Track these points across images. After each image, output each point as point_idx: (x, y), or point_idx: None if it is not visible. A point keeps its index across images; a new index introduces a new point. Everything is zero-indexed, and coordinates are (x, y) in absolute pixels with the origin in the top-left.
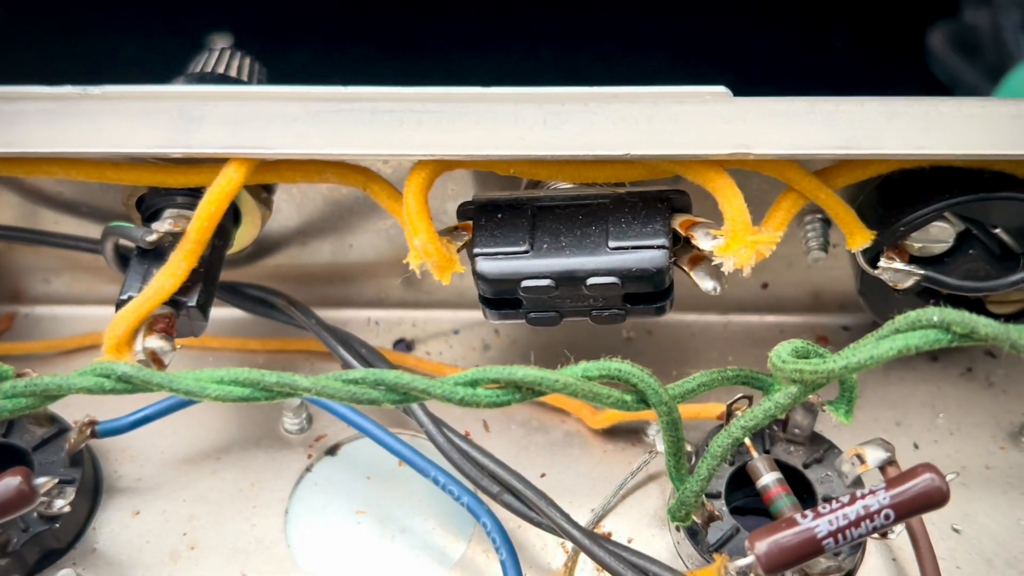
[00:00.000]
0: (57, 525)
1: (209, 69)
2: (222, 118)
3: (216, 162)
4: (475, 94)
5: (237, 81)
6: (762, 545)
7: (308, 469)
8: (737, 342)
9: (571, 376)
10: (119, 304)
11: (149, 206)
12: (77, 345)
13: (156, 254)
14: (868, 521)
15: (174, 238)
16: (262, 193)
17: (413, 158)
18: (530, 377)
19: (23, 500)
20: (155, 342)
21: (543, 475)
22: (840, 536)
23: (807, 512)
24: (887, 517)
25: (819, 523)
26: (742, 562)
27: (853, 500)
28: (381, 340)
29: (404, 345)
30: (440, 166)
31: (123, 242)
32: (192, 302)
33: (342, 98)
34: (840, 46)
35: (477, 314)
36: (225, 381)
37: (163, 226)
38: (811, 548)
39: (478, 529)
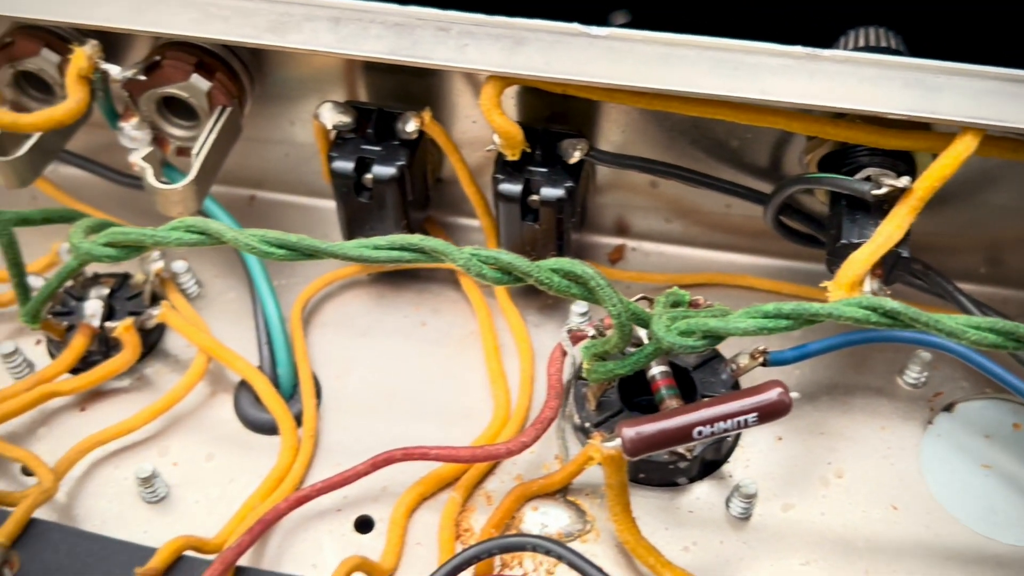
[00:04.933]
0: (729, 439)
1: (872, 43)
2: (959, 90)
3: (919, 127)
4: None
5: (898, 54)
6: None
7: (930, 422)
8: None
9: None
10: (842, 248)
11: (849, 163)
12: (692, 280)
13: (863, 205)
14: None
15: (891, 194)
16: None
17: None
18: None
19: (784, 408)
20: (874, 284)
21: None
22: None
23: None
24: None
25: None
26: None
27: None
28: None
29: None
30: None
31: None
32: (905, 252)
33: None
34: None
35: None
36: (982, 328)
37: (901, 182)
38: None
39: None
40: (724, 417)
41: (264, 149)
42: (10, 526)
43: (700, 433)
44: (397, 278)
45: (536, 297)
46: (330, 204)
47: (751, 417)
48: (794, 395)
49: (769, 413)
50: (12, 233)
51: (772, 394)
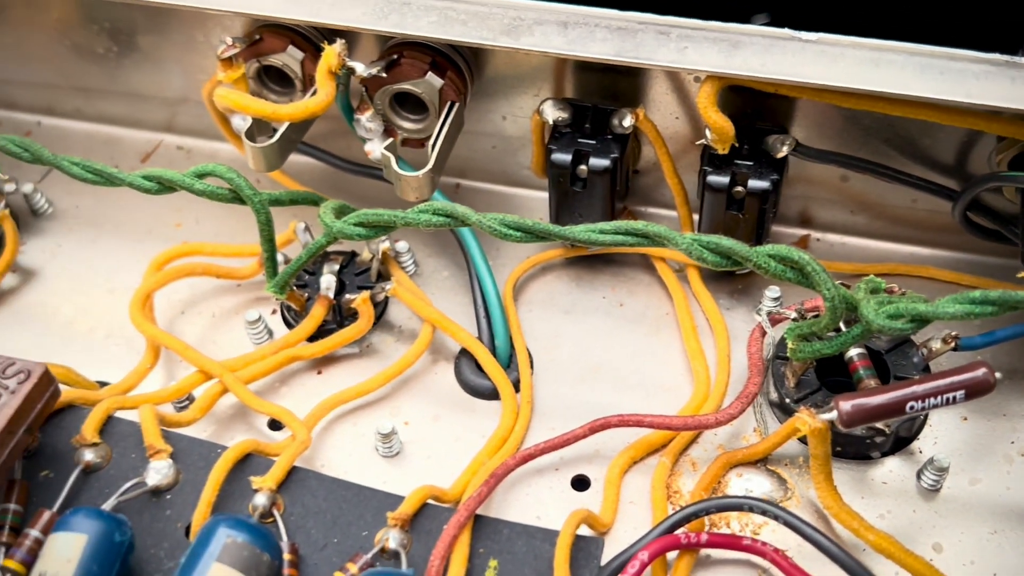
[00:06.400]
0: (921, 417)
1: None
2: None
3: None
4: None
5: None
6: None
7: None
8: None
9: None
10: None
11: None
12: (875, 271)
13: None
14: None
15: None
16: None
17: None
18: None
19: (989, 387)
20: None
21: None
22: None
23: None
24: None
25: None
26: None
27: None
28: None
29: None
30: None
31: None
32: None
33: None
34: None
35: None
36: None
37: None
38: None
39: None
40: (935, 393)
41: (474, 141)
42: (277, 473)
43: (912, 408)
44: (592, 262)
45: (726, 282)
46: (529, 193)
47: (959, 394)
48: (997, 375)
49: (976, 391)
50: (269, 212)
51: (979, 373)
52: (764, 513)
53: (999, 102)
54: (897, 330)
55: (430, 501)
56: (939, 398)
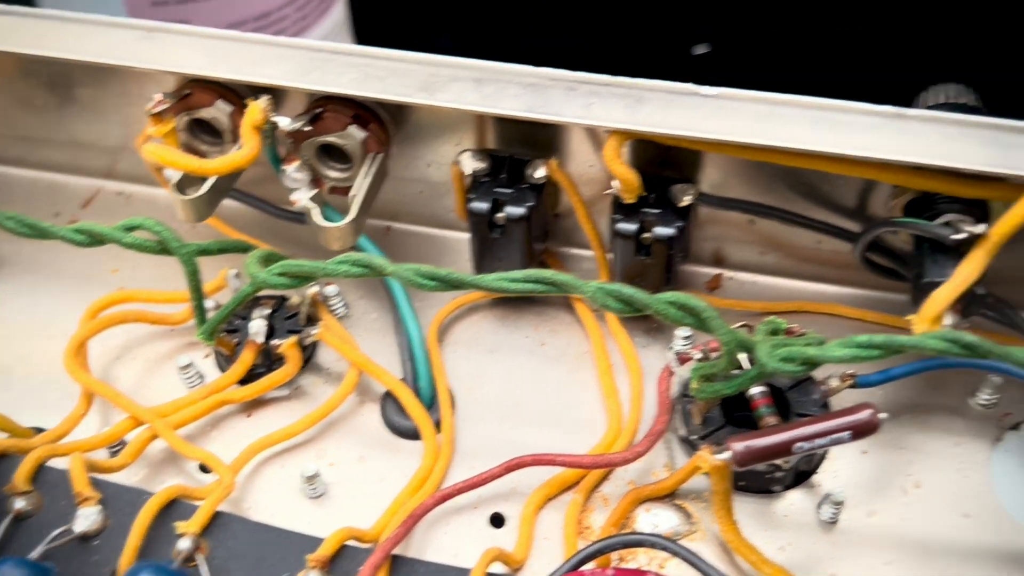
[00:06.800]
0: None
1: (952, 99)
2: None
3: (994, 179)
4: None
5: (975, 109)
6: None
7: (999, 439)
8: None
9: None
10: (925, 285)
11: (931, 209)
12: (784, 308)
13: (943, 247)
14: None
15: (969, 238)
16: None
17: None
18: None
19: (873, 428)
20: (953, 319)
21: None
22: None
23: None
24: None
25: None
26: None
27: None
28: None
29: None
30: None
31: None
32: (981, 290)
33: None
34: None
35: None
36: None
37: (978, 228)
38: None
39: None
40: (821, 434)
41: (401, 186)
42: (201, 517)
43: (800, 448)
44: (517, 302)
45: (642, 321)
46: (457, 235)
47: (845, 435)
48: (883, 415)
49: (861, 431)
50: (196, 263)
51: (864, 415)
52: (665, 549)
53: (886, 154)
54: (790, 372)
55: (350, 542)
56: (826, 438)
